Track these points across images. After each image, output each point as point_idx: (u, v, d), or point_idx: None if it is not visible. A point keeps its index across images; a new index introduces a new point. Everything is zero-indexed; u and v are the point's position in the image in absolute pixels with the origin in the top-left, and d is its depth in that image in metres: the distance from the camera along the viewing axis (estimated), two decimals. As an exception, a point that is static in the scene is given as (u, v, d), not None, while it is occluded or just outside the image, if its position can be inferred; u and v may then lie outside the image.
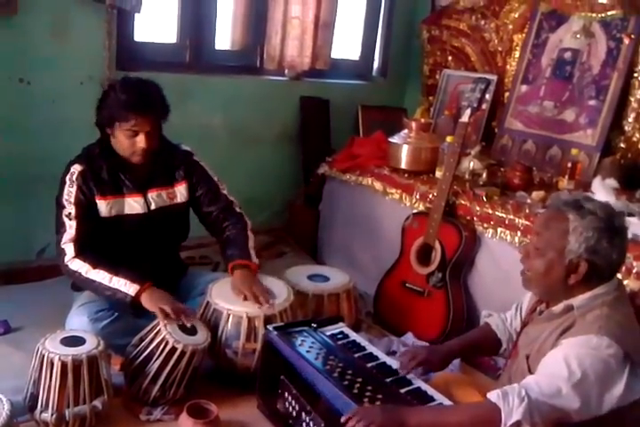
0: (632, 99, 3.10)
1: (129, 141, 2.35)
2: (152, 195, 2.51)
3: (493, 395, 1.61)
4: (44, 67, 2.97)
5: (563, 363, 1.59)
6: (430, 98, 4.08)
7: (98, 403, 2.04)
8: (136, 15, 3.21)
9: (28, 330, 2.61)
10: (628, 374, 1.59)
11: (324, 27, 3.74)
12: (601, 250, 1.65)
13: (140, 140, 2.34)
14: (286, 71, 3.84)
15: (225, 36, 3.70)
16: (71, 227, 2.34)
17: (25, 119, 2.98)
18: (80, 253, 2.33)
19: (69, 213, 2.35)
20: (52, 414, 1.98)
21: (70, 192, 2.37)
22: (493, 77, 3.64)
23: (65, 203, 2.36)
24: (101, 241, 2.40)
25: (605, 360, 1.58)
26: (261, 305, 2.33)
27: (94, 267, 2.30)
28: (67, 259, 2.33)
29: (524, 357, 1.81)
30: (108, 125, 2.36)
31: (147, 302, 2.26)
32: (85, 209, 2.37)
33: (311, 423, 1.94)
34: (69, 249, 2.33)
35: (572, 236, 1.66)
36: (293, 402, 2.03)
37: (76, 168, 2.38)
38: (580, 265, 1.67)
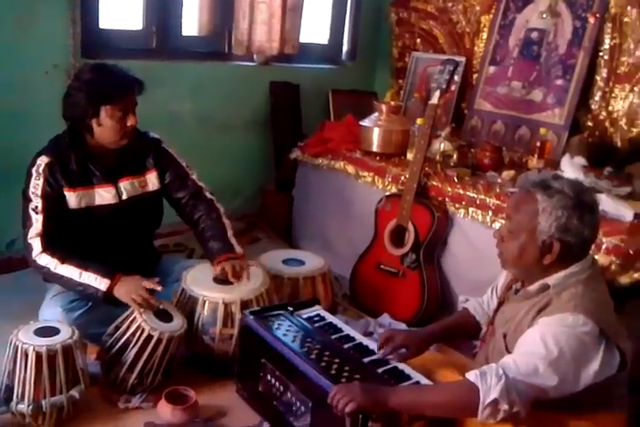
0: (598, 77, 3.14)
1: (119, 124, 2.31)
2: (123, 184, 2.47)
3: (471, 375, 1.63)
4: (7, 56, 2.89)
5: (539, 342, 1.61)
6: (400, 81, 4.09)
7: (75, 393, 2.03)
8: (101, 2, 3.16)
9: (0, 322, 2.57)
10: (603, 350, 1.61)
11: (291, 11, 3.71)
12: (572, 228, 1.66)
13: (130, 119, 2.32)
14: (255, 56, 3.81)
15: (192, 22, 3.64)
16: (37, 221, 2.29)
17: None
18: (47, 247, 2.28)
19: (36, 207, 2.30)
20: (28, 406, 1.96)
21: (37, 185, 2.31)
22: (462, 59, 3.65)
23: (31, 196, 2.31)
24: (71, 234, 2.36)
25: (581, 338, 1.60)
26: (240, 281, 2.34)
27: (62, 262, 2.26)
28: (34, 254, 2.28)
29: (502, 335, 1.83)
30: (91, 115, 2.29)
31: (119, 293, 2.23)
32: (52, 202, 2.32)
33: (297, 403, 1.95)
34: (36, 244, 2.28)
35: (542, 216, 1.67)
36: (277, 384, 2.05)
37: (43, 160, 2.33)
38: (554, 245, 1.68)
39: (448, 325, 2.16)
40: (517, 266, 1.79)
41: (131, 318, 2.18)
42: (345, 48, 4.35)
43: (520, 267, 1.78)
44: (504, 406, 1.57)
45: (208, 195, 2.63)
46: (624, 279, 2.30)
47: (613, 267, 2.31)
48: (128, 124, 2.33)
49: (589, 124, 3.17)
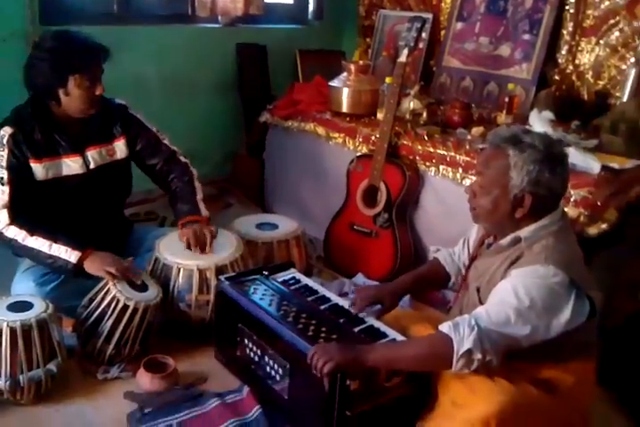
0: (564, 31, 3.13)
1: (88, 93, 2.26)
2: (91, 153, 2.43)
3: (445, 326, 1.66)
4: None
5: (511, 292, 1.64)
6: (368, 39, 4.05)
7: (52, 366, 2.03)
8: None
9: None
10: (574, 299, 1.64)
11: (254, -31, 3.63)
12: (544, 181, 1.67)
13: (98, 87, 2.29)
14: (219, 18, 3.74)
15: (153, -16, 3.56)
16: (4, 193, 2.25)
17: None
18: (15, 219, 2.24)
19: (1, 179, 2.25)
20: (5, 381, 1.96)
21: (1, 156, 2.26)
22: (429, 16, 3.61)
23: None
24: (39, 205, 2.32)
25: (552, 288, 1.63)
26: (203, 251, 2.34)
27: (31, 234, 2.23)
28: (1, 226, 2.24)
29: (475, 289, 1.85)
30: (58, 85, 2.23)
31: (90, 267, 2.21)
32: (19, 173, 2.27)
33: (275, 366, 1.97)
34: (3, 216, 2.24)
35: (514, 171, 1.68)
36: (254, 348, 2.07)
37: (7, 131, 2.27)
38: (525, 198, 1.69)
39: (418, 275, 2.18)
40: (490, 220, 1.80)
41: (105, 290, 2.17)
42: (311, 7, 4.27)
43: (492, 221, 1.80)
44: (477, 356, 1.61)
45: (182, 158, 2.61)
46: (592, 230, 2.34)
47: (582, 218, 2.34)
48: (96, 92, 2.29)
49: (557, 78, 3.17)
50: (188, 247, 2.38)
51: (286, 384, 1.94)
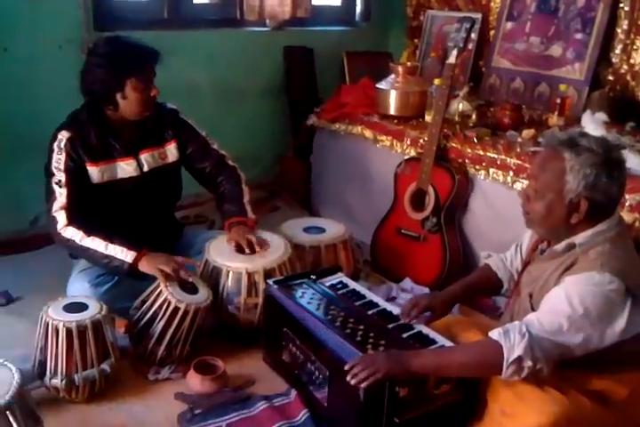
0: (619, 30, 3.04)
1: (144, 95, 2.32)
2: (144, 156, 2.48)
3: (495, 333, 1.64)
4: (20, 32, 2.89)
5: (565, 300, 1.61)
6: (415, 40, 4.01)
7: (106, 366, 2.08)
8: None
9: (29, 299, 2.63)
10: (629, 308, 1.60)
11: (302, -27, 3.64)
12: (600, 186, 1.63)
13: (153, 89, 2.35)
14: (267, 21, 3.76)
15: (202, -11, 3.61)
16: (61, 194, 2.31)
17: (4, 87, 2.91)
18: (72, 220, 2.30)
19: (59, 181, 2.32)
20: (61, 380, 2.01)
21: (59, 159, 2.32)
22: (478, 16, 3.56)
23: (54, 170, 2.32)
24: (94, 207, 2.38)
25: (607, 296, 1.59)
26: (254, 252, 2.36)
27: (88, 234, 2.28)
28: (59, 227, 2.30)
29: (527, 295, 1.82)
30: (116, 90, 2.29)
31: (145, 266, 2.25)
32: (76, 176, 2.34)
33: (317, 372, 1.98)
34: (61, 217, 2.30)
35: (570, 175, 1.64)
36: (298, 353, 2.07)
37: (64, 135, 2.34)
38: (581, 204, 1.65)
39: (469, 283, 2.15)
40: (544, 225, 1.77)
41: (157, 292, 2.21)
42: (358, 9, 4.26)
43: (547, 226, 1.76)
44: (528, 364, 1.59)
45: (230, 162, 2.65)
46: (649, 237, 2.28)
47: (637, 224, 2.29)
48: (152, 94, 2.35)
49: (610, 78, 3.09)
50: (238, 251, 2.40)
51: (326, 392, 1.95)
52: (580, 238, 1.70)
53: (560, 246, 1.75)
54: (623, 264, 1.64)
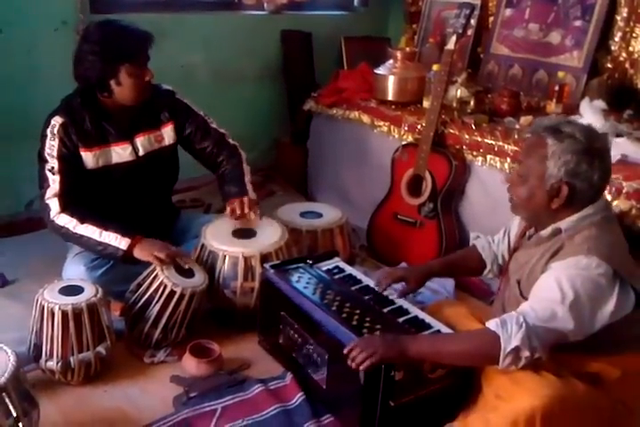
0: (618, 17, 3.03)
1: (138, 80, 2.29)
2: (139, 140, 2.46)
3: (492, 323, 1.65)
4: (15, 15, 2.85)
5: (555, 286, 1.62)
6: (414, 26, 3.98)
7: (101, 349, 2.08)
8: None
9: (24, 282, 2.63)
10: (618, 291, 1.62)
11: (300, -44, 3.61)
12: (581, 173, 1.65)
13: (148, 73, 2.31)
14: (265, 5, 3.73)
15: (198, -28, 3.57)
16: (55, 181, 2.29)
17: (0, 70, 2.88)
18: (65, 207, 2.28)
19: (52, 168, 2.29)
20: (57, 362, 2.01)
21: (52, 146, 2.30)
22: (477, 2, 3.52)
23: (47, 157, 2.30)
24: (89, 193, 2.36)
25: (595, 279, 1.61)
26: (247, 216, 2.38)
27: (82, 222, 2.27)
28: (52, 214, 2.28)
29: (516, 282, 1.84)
30: (110, 76, 2.26)
31: (140, 253, 2.24)
32: (69, 162, 2.31)
33: (314, 355, 1.98)
34: (54, 204, 2.28)
35: (551, 160, 1.67)
36: (295, 336, 2.08)
37: (57, 120, 2.31)
38: (562, 189, 1.68)
39: (450, 260, 2.19)
40: (526, 210, 1.80)
41: (153, 275, 2.21)
42: (356, -7, 4.24)
43: (529, 211, 1.79)
44: (525, 354, 1.60)
45: (231, 141, 2.64)
46: (645, 224, 2.28)
47: (634, 211, 2.29)
48: (146, 78, 2.32)
49: (609, 65, 3.08)
50: (239, 234, 2.40)
51: (324, 374, 1.95)
52: (565, 223, 1.72)
53: (546, 232, 1.77)
54: (610, 248, 1.66)
